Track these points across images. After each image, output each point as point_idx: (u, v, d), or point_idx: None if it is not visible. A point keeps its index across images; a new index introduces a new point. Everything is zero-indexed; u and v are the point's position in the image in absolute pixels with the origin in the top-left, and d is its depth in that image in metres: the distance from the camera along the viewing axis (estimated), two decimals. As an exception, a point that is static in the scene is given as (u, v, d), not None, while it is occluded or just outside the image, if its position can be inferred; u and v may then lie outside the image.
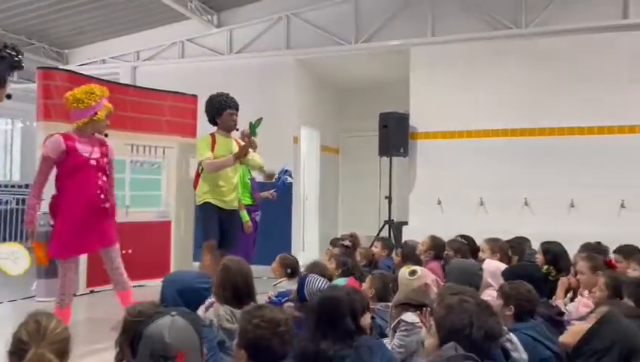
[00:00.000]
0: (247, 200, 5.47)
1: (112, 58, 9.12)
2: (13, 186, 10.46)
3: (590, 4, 6.56)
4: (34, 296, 5.35)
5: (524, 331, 2.40)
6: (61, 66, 8.56)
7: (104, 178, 3.78)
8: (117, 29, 8.79)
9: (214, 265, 4.26)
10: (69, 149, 3.59)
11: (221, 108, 4.50)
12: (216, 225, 4.44)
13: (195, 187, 4.73)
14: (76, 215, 3.62)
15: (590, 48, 6.52)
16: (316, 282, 2.77)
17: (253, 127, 4.78)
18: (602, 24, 6.47)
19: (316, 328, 2.04)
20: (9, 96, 2.70)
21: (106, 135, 3.83)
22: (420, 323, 2.46)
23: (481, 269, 3.14)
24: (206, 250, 4.39)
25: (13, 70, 2.68)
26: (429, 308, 2.03)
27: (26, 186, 9.25)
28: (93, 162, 3.71)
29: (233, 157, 4.39)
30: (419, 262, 3.88)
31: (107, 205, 3.81)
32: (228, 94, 4.60)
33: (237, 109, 4.58)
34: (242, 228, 5.14)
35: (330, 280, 3.50)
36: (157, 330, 1.58)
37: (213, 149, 4.42)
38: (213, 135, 4.52)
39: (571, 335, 1.80)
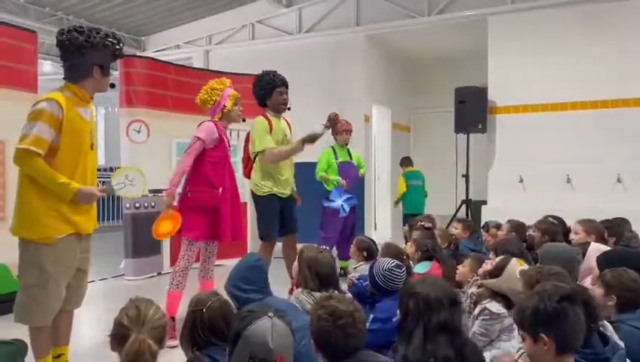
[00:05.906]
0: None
1: (185, 43, 9.36)
2: (98, 170, 11.07)
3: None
4: (123, 275, 5.64)
5: (629, 322, 2.25)
6: (139, 53, 8.87)
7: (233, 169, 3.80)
8: (189, 14, 8.99)
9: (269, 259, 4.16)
10: (220, 139, 3.61)
11: (270, 88, 4.16)
12: (277, 219, 4.16)
13: (246, 174, 4.37)
14: (221, 204, 3.57)
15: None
16: (383, 263, 2.71)
17: None
18: None
19: (425, 334, 1.78)
20: (112, 85, 2.72)
21: (243, 120, 3.80)
22: (506, 313, 2.42)
23: (579, 254, 2.93)
24: (265, 246, 4.14)
25: (115, 58, 2.68)
26: None
27: (111, 169, 9.74)
28: (230, 153, 3.75)
29: (301, 143, 3.95)
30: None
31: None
32: (275, 72, 4.24)
33: (287, 87, 4.22)
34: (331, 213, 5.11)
35: (408, 260, 3.42)
36: (260, 334, 1.58)
37: (270, 133, 4.08)
38: (267, 117, 4.15)
39: None
